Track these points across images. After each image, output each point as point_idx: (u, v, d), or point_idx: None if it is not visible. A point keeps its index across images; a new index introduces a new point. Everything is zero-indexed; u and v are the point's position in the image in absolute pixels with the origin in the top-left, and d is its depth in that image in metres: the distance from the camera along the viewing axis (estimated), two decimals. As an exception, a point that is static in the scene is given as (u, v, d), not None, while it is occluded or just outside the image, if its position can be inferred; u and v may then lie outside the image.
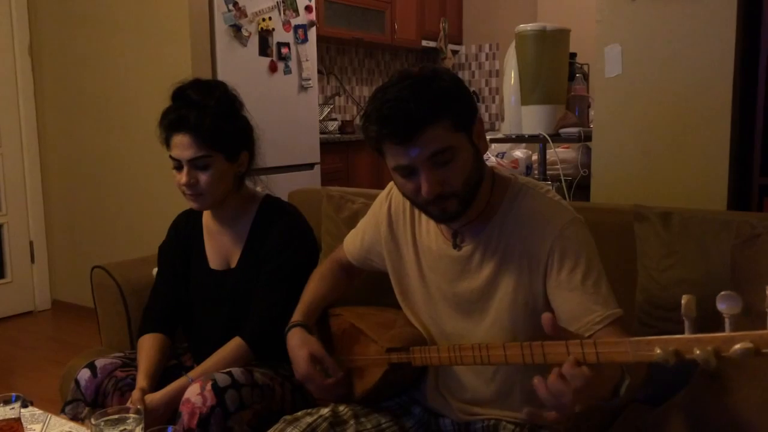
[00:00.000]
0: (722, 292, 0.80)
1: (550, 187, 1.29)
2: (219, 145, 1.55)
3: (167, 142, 1.57)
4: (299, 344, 1.38)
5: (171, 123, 1.55)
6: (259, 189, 1.76)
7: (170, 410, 1.46)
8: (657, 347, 0.83)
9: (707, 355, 0.79)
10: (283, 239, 1.64)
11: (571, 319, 1.15)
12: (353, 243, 1.54)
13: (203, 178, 1.55)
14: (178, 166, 1.56)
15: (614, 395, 1.01)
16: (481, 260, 1.26)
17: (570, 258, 1.18)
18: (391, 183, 1.41)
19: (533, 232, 1.21)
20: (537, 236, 1.20)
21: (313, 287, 1.53)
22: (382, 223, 1.42)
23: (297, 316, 1.45)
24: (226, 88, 1.62)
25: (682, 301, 0.83)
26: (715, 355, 0.79)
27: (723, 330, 0.81)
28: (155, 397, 1.48)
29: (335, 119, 4.98)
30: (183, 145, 1.53)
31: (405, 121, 1.11)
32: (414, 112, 1.11)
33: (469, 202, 1.19)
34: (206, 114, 1.53)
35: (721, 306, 0.80)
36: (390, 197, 1.43)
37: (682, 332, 0.84)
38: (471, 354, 1.13)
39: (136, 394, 1.48)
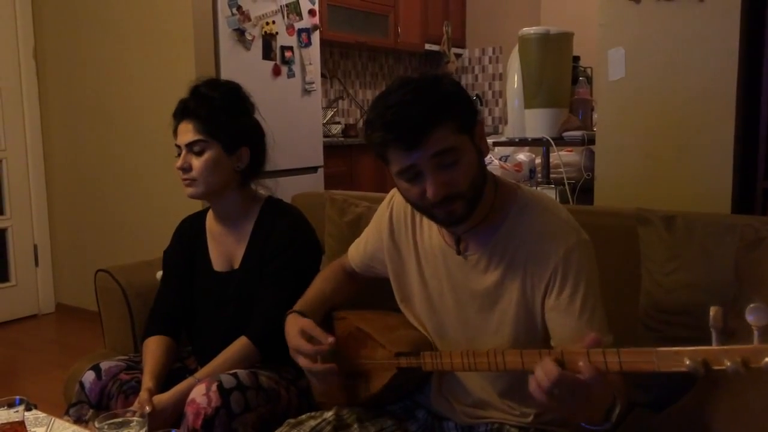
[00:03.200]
0: (751, 305, 0.80)
1: (557, 201, 1.29)
2: (216, 133, 1.60)
3: (175, 132, 1.64)
4: (292, 323, 1.38)
5: (176, 112, 1.64)
6: (261, 192, 1.77)
7: (178, 411, 1.45)
8: (686, 358, 0.83)
9: (737, 367, 0.80)
10: (286, 239, 1.64)
11: (563, 341, 1.15)
12: (357, 251, 1.54)
13: (197, 163, 1.60)
14: (179, 153, 1.63)
15: (606, 420, 1.01)
16: (485, 269, 1.25)
17: (571, 282, 1.18)
18: (393, 190, 1.40)
19: (539, 250, 1.20)
20: (542, 255, 1.20)
21: (317, 285, 1.53)
22: (384, 230, 1.41)
23: (296, 306, 1.45)
24: (238, 88, 1.69)
25: (711, 313, 0.83)
26: (745, 366, 0.80)
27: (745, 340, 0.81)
28: (163, 398, 1.48)
29: (339, 123, 4.98)
30: (184, 132, 1.61)
31: (410, 125, 1.11)
32: (418, 116, 1.11)
33: (474, 204, 1.19)
34: (207, 103, 1.61)
35: (750, 318, 0.80)
36: (391, 204, 1.43)
37: (693, 338, 0.85)
38: (486, 360, 1.12)
39: (143, 394, 1.47)
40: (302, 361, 1.34)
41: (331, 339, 1.31)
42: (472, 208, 1.19)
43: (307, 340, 1.33)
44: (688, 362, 0.83)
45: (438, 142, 1.12)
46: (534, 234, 1.22)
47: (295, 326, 1.36)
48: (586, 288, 1.17)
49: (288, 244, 1.64)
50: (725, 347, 0.81)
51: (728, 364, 0.80)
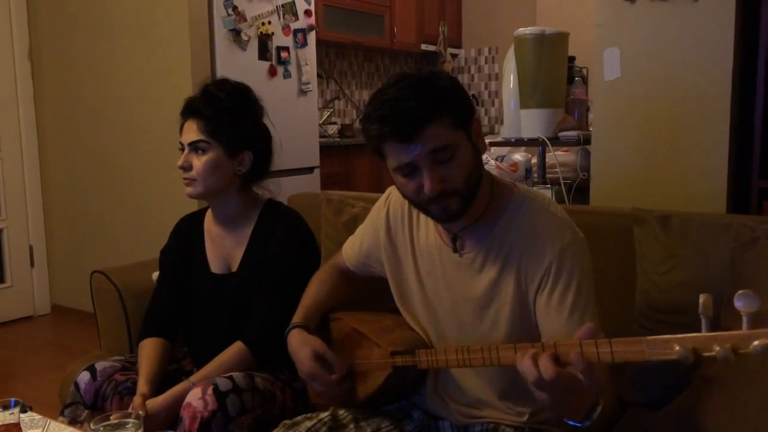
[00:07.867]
0: (740, 291, 0.80)
1: (553, 200, 1.29)
2: (218, 135, 1.59)
3: (181, 130, 1.64)
4: (301, 344, 1.38)
5: (183, 109, 1.64)
6: (259, 193, 1.76)
7: (172, 415, 1.46)
8: (676, 345, 0.84)
9: (726, 353, 0.80)
10: (285, 243, 1.64)
11: (551, 339, 1.15)
12: (351, 249, 1.54)
13: (197, 163, 1.59)
14: (182, 150, 1.62)
15: (586, 418, 1.03)
16: (481, 268, 1.26)
17: (564, 280, 1.18)
18: (390, 188, 1.41)
19: (534, 247, 1.21)
20: (537, 252, 1.20)
21: (313, 291, 1.53)
22: (381, 229, 1.42)
23: (297, 318, 1.45)
24: (247, 90, 1.67)
25: (700, 300, 0.84)
26: (734, 352, 0.80)
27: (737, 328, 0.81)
28: (157, 402, 1.48)
29: (335, 123, 4.98)
30: (188, 130, 1.61)
31: (406, 118, 1.12)
32: (415, 110, 1.12)
33: (470, 200, 1.19)
34: (212, 103, 1.60)
35: (739, 304, 0.80)
36: (388, 203, 1.43)
37: (691, 332, 0.85)
38: (480, 356, 1.13)
39: (137, 399, 1.47)
40: (317, 387, 1.37)
41: (345, 367, 1.35)
42: (468, 204, 1.19)
43: (320, 364, 1.35)
44: (677, 349, 0.83)
45: (434, 137, 1.13)
46: (530, 231, 1.22)
47: (304, 347, 1.37)
48: (578, 287, 1.18)
49: (287, 248, 1.63)
50: (714, 333, 0.82)
51: (717, 349, 0.80)
